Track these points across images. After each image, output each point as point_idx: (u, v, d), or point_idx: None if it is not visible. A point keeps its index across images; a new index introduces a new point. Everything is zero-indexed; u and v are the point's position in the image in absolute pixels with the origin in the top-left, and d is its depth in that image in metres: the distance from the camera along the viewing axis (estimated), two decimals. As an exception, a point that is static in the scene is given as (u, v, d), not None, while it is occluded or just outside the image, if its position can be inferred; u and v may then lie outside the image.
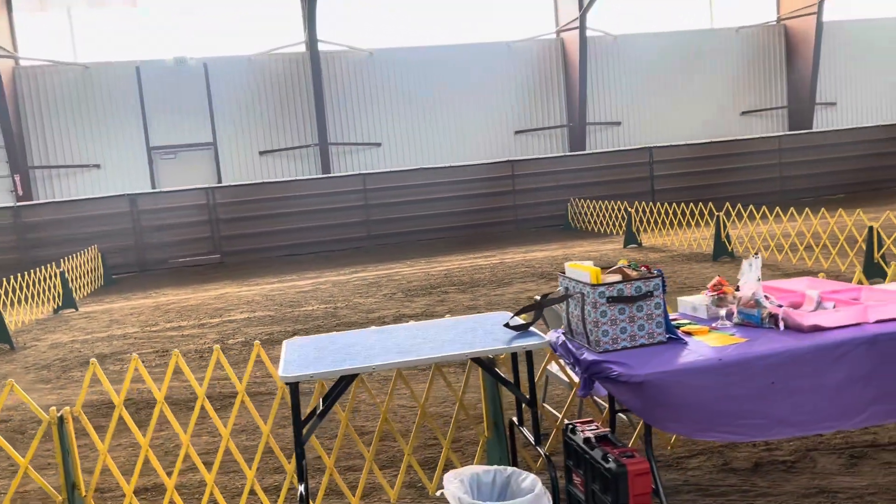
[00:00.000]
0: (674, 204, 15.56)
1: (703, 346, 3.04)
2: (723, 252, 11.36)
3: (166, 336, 9.43)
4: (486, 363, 3.18)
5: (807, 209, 12.50)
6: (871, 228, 8.17)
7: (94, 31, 19.35)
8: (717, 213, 11.49)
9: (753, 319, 3.25)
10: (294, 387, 2.93)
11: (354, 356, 2.99)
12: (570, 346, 3.29)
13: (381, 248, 17.65)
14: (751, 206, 13.20)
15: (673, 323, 3.45)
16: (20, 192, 18.00)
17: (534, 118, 21.80)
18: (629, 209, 14.36)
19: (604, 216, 16.70)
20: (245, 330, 9.37)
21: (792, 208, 14.43)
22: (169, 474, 4.23)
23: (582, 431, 3.38)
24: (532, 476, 3.01)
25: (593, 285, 3.09)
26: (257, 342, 3.54)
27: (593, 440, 3.27)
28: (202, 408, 4.70)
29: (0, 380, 7.81)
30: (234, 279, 14.83)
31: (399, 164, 20.39)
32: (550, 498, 2.88)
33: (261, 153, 19.96)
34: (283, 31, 19.79)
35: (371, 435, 4.73)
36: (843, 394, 2.96)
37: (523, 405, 3.61)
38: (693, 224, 14.97)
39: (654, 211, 14.90)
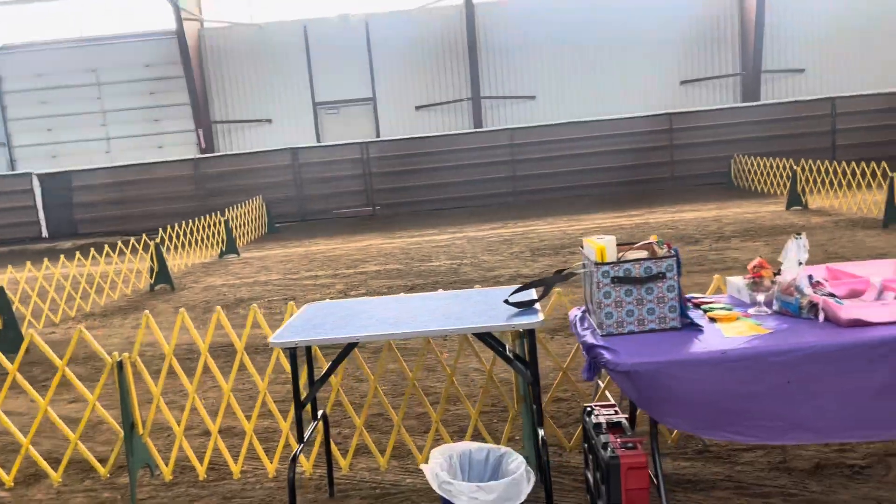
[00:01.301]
0: (854, 163, 13.83)
1: (717, 336, 2.73)
2: (895, 218, 10.03)
3: (301, 284, 10.08)
4: (490, 338, 3.09)
5: None
6: None
7: (267, -8, 20.58)
8: (890, 174, 10.12)
9: (791, 308, 2.87)
10: (292, 351, 3.03)
11: (349, 325, 3.03)
12: (578, 326, 3.10)
13: (527, 205, 17.49)
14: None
15: (707, 306, 3.14)
16: (203, 146, 19.84)
17: (702, 67, 20.28)
18: (795, 167, 13.05)
19: (770, 174, 15.31)
20: (370, 282, 9.77)
21: None
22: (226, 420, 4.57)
23: (597, 416, 3.21)
24: (520, 458, 2.91)
25: (598, 263, 2.88)
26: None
27: (604, 426, 3.09)
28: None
29: (156, 317, 8.81)
30: (381, 231, 15.45)
31: (554, 117, 19.89)
32: (532, 481, 2.78)
33: (416, 108, 20.38)
34: (440, -15, 19.84)
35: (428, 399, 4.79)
36: (882, 401, 2.54)
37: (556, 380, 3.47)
38: (873, 186, 13.29)
39: (830, 170, 13.39)
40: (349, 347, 3.11)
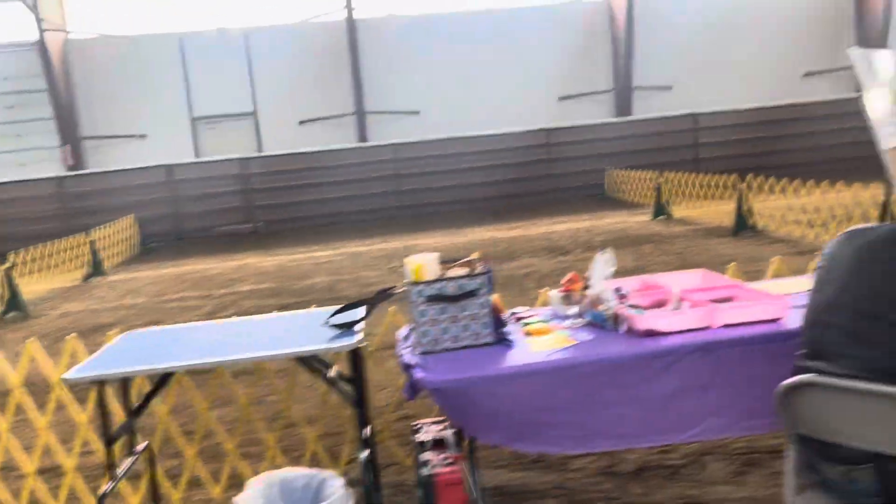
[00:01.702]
0: (716, 175, 14.68)
1: (526, 350, 2.82)
2: (743, 227, 10.74)
3: (167, 307, 9.68)
4: (315, 361, 3.06)
5: (823, 181, 11.65)
6: (884, 204, 7.51)
7: (140, 2, 19.78)
8: (740, 186, 10.85)
9: (599, 320, 3.00)
10: (101, 385, 2.88)
11: (162, 355, 2.92)
12: (401, 345, 3.12)
13: (411, 220, 17.59)
14: (772, 179, 12.25)
15: (527, 320, 3.22)
16: (71, 162, 18.77)
17: (579, 84, 21.07)
18: (658, 180, 13.77)
19: (640, 186, 16.08)
20: (241, 302, 9.51)
21: (808, 181, 13.47)
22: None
23: (425, 432, 3.23)
24: (340, 482, 2.89)
25: (413, 283, 2.91)
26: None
27: (426, 443, 3.11)
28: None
29: (1, 347, 8.20)
30: (261, 249, 15.10)
31: (439, 132, 20.05)
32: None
33: (300, 122, 20.10)
34: (322, -1, 19.68)
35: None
36: (673, 406, 2.68)
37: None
38: (727, 197, 14.19)
39: (691, 182, 14.18)
40: (166, 377, 2.99)
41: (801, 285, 3.30)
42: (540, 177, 18.35)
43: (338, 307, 3.20)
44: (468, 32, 20.27)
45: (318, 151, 18.20)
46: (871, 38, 21.25)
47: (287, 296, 9.66)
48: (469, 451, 2.91)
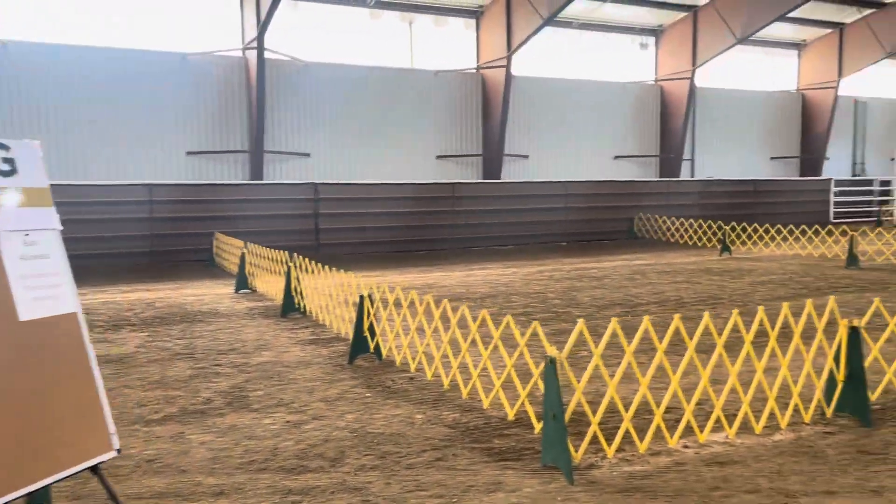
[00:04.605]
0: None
1: None
2: (291, 308, 10.16)
3: None
4: None
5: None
6: (361, 297, 7.26)
7: None
8: (288, 264, 10.26)
9: None
10: None
11: None
12: None
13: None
14: (302, 259, 12.02)
15: None
16: None
17: (214, 141, 19.92)
18: (244, 250, 12.90)
19: (237, 255, 15.04)
20: None
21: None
22: None
23: None
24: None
25: None
26: None
27: None
28: None
29: None
30: None
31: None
32: None
33: None
34: None
35: None
36: None
37: None
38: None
39: (274, 257, 13.50)
40: None
41: None
42: (143, 237, 16.62)
43: None
44: (85, 70, 18.11)
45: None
46: (492, 130, 23.27)
47: None
48: None
